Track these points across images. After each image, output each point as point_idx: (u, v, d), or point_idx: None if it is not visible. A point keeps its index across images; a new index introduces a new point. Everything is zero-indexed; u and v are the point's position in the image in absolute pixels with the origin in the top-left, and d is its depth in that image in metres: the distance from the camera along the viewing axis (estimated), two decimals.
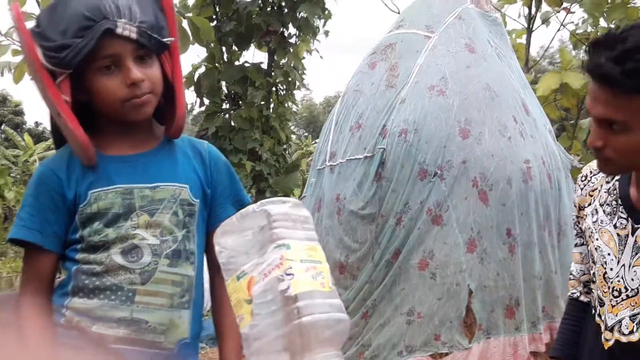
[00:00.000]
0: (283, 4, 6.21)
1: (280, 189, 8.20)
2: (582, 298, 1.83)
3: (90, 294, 1.54)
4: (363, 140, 3.72)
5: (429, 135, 3.54)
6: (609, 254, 1.59)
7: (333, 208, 3.73)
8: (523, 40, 8.40)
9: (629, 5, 7.68)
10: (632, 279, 1.55)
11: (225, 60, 8.14)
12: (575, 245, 1.80)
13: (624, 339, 1.57)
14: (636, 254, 1.55)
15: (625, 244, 1.57)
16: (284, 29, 7.75)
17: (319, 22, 7.74)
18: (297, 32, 7.82)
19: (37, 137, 26.52)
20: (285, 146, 8.31)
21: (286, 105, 8.24)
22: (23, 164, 20.09)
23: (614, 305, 1.58)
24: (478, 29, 3.96)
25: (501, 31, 4.18)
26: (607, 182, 1.65)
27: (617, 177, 1.64)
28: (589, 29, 9.19)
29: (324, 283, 1.19)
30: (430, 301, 3.46)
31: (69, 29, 1.48)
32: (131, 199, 1.57)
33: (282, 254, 1.18)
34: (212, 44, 7.85)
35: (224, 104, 8.30)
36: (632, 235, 1.56)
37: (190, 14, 6.88)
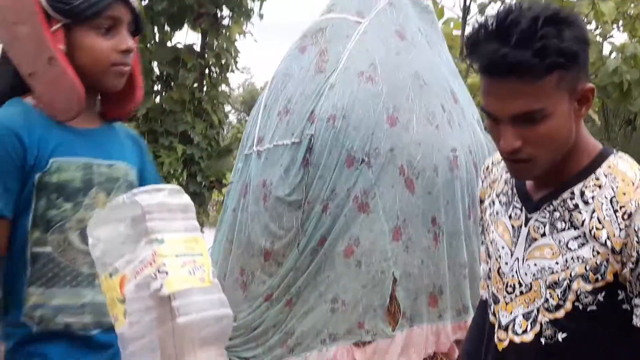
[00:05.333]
0: None
1: (212, 173, 8.07)
2: None
3: (49, 282, 1.49)
4: (291, 126, 3.67)
5: (357, 122, 3.51)
6: (503, 247, 1.46)
7: (259, 194, 3.66)
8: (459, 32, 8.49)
9: None
10: (526, 274, 1.39)
11: (157, 40, 7.93)
12: (482, 243, 1.62)
13: (517, 339, 1.41)
14: (529, 246, 1.40)
15: (519, 235, 1.42)
16: (218, 10, 7.60)
17: (253, 5, 7.63)
18: (230, 14, 7.69)
19: None
20: (218, 130, 8.16)
21: (219, 88, 8.09)
22: None
23: (508, 303, 1.43)
24: (409, 15, 3.94)
25: (432, 19, 4.18)
26: (507, 172, 1.49)
27: None
28: None
29: (204, 277, 1.11)
30: (354, 289, 3.44)
31: None
32: (90, 174, 1.55)
33: (154, 250, 1.09)
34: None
35: (155, 86, 8.10)
36: (525, 226, 1.41)
37: None
